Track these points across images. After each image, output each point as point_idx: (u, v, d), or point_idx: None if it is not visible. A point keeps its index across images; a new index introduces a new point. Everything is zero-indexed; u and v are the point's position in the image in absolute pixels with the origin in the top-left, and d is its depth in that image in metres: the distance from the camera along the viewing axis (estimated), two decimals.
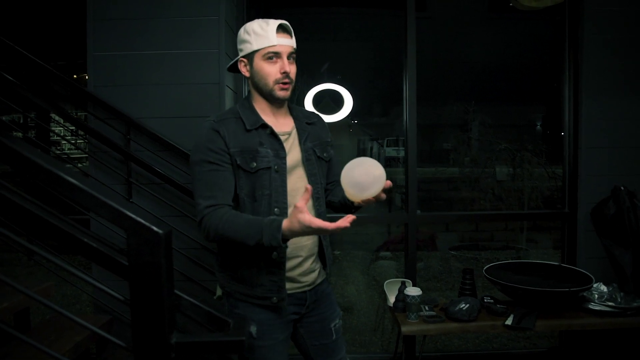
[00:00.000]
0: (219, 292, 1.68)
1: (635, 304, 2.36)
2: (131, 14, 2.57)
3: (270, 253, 1.53)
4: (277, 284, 1.55)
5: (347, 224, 1.30)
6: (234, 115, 1.58)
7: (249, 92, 1.65)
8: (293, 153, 1.61)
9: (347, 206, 1.67)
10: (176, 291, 1.03)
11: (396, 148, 7.86)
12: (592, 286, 2.38)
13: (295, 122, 1.66)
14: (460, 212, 6.31)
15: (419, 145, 2.90)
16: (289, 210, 1.55)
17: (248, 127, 1.55)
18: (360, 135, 7.14)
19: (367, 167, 1.37)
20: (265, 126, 1.57)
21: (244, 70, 1.60)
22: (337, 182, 1.68)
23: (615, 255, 2.63)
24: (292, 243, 1.55)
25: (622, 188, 2.63)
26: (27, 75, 2.97)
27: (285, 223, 1.36)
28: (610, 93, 2.76)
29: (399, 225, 5.73)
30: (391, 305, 2.54)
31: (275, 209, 1.54)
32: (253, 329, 1.54)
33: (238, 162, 1.51)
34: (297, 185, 1.60)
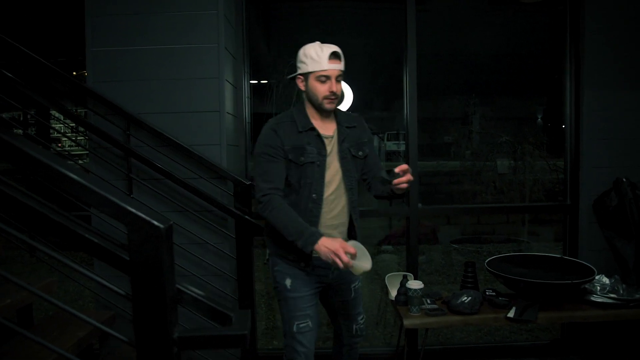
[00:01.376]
0: (268, 253, 2.12)
1: (637, 296, 2.35)
2: (130, 9, 2.56)
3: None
4: (306, 254, 1.89)
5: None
6: (289, 119, 1.97)
7: (304, 99, 2.01)
8: (333, 152, 1.98)
9: (384, 196, 2.06)
10: (178, 285, 1.03)
11: (397, 142, 7.85)
12: (594, 278, 2.38)
13: (337, 126, 2.02)
14: (461, 205, 6.30)
15: (419, 138, 2.89)
16: (325, 196, 1.96)
17: (300, 129, 1.93)
18: None
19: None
20: (313, 129, 1.95)
21: (301, 85, 1.97)
22: (372, 175, 2.09)
23: (617, 247, 2.63)
24: (327, 223, 1.97)
25: (624, 180, 2.63)
26: (27, 72, 2.96)
27: (323, 239, 1.77)
28: (612, 84, 2.75)
29: (400, 219, 5.73)
30: (393, 298, 2.54)
31: (314, 195, 1.93)
32: (288, 282, 1.99)
33: (290, 157, 1.91)
34: (334, 177, 1.98)
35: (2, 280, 1.99)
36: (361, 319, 2.24)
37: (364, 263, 1.81)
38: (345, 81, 3.54)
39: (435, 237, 6.09)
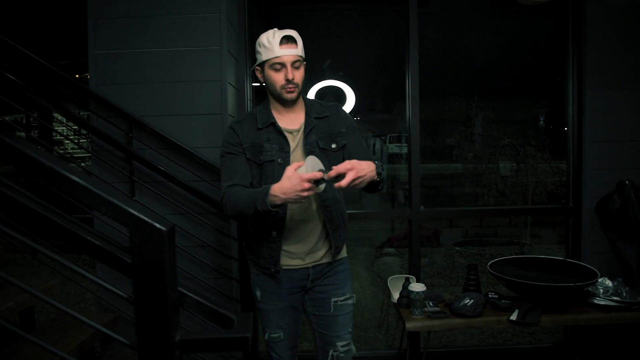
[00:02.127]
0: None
1: None
2: (132, 11, 2.57)
3: (270, 232, 1.80)
4: (274, 258, 1.81)
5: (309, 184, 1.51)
6: (251, 116, 1.85)
7: (268, 93, 1.86)
8: (299, 147, 1.81)
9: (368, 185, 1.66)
10: (180, 288, 1.03)
11: (399, 144, 7.86)
12: (597, 281, 2.37)
13: (305, 118, 1.84)
14: (464, 207, 6.29)
15: (421, 141, 2.88)
16: None
17: (259, 126, 1.80)
18: (363, 132, 7.12)
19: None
20: (273, 124, 1.80)
21: (260, 76, 1.83)
22: None
23: (620, 249, 2.62)
24: (296, 227, 1.80)
25: (627, 182, 2.62)
26: (30, 74, 2.97)
27: (274, 187, 1.56)
28: (614, 86, 2.75)
29: (402, 222, 5.72)
30: (395, 301, 2.54)
31: None
32: (258, 293, 1.89)
33: (248, 156, 1.78)
34: None
35: (4, 283, 1.99)
36: (342, 347, 1.89)
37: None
38: (346, 83, 3.56)
39: (437, 239, 6.07)
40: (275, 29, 1.75)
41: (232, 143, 1.79)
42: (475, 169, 6.30)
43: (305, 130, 1.81)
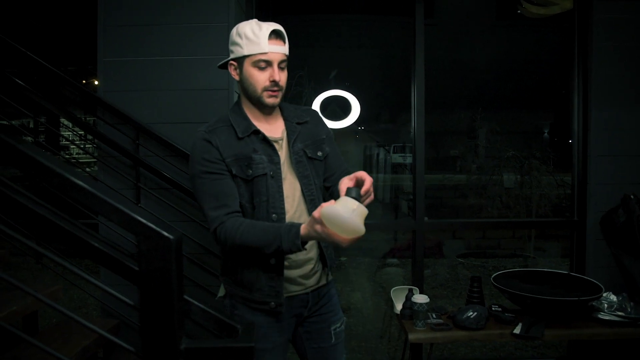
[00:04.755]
0: (221, 292, 1.66)
1: None
2: (141, 20, 2.59)
3: (268, 259, 1.50)
4: (276, 289, 1.53)
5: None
6: (224, 123, 1.55)
7: (239, 95, 1.62)
8: (285, 156, 1.59)
9: None
10: (186, 297, 1.03)
11: (402, 154, 7.88)
12: (601, 295, 2.36)
13: (285, 123, 1.62)
14: (468, 219, 6.27)
15: (426, 152, 2.89)
16: (287, 216, 1.54)
17: (240, 135, 1.52)
18: (367, 142, 7.15)
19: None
20: (257, 132, 1.54)
21: (234, 73, 1.57)
22: (334, 180, 1.65)
23: (625, 264, 2.61)
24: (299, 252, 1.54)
25: (632, 197, 2.61)
26: (38, 80, 3.00)
27: (303, 230, 1.35)
28: (620, 101, 2.75)
29: (405, 232, 5.71)
30: (398, 312, 2.53)
31: (273, 215, 1.51)
32: None
33: (234, 172, 1.50)
34: (292, 189, 1.58)
35: (9, 286, 2.00)
36: None
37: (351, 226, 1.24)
38: (352, 93, 3.57)
39: (440, 250, 6.07)
40: (256, 20, 1.53)
41: (211, 160, 1.48)
42: (479, 180, 6.29)
43: (290, 138, 1.59)
